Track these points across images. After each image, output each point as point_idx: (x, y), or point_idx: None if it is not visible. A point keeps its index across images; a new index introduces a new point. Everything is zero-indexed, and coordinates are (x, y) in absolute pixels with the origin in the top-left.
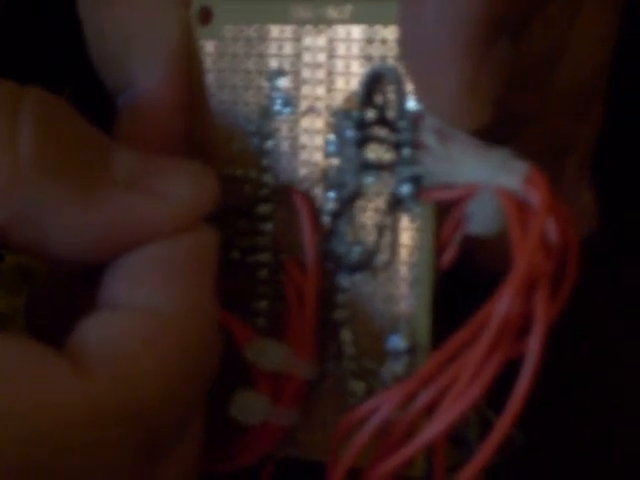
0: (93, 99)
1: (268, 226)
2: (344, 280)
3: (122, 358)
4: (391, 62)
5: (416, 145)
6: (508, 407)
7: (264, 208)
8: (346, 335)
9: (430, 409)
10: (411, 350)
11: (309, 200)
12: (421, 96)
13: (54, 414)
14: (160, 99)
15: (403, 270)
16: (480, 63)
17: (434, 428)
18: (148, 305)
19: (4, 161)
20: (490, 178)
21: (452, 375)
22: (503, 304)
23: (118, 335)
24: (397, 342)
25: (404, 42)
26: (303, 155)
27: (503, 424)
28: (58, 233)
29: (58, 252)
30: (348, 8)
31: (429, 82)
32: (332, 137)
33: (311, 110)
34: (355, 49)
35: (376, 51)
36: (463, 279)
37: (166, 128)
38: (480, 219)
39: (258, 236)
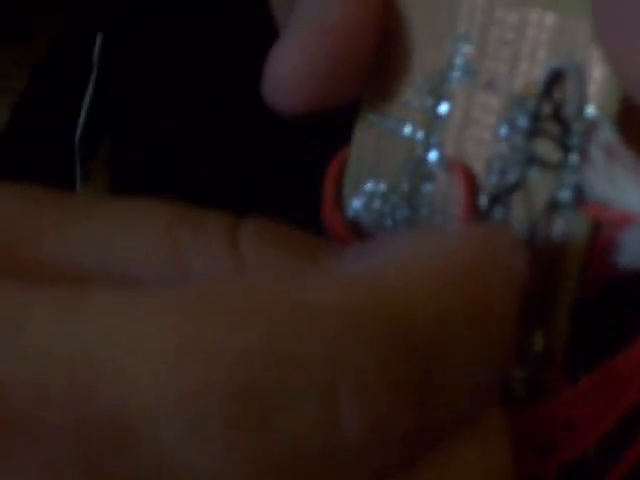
0: None
1: (428, 188)
2: None
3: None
4: (579, 58)
5: (583, 154)
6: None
7: (426, 168)
8: None
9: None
10: (544, 355)
11: (470, 175)
12: (613, 62)
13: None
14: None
15: None
16: None
17: None
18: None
19: (229, 267)
20: None
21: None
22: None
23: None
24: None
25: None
26: (473, 130)
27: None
28: None
29: None
30: None
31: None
32: (505, 120)
33: (490, 86)
34: (545, 36)
35: (566, 43)
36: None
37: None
38: (630, 251)
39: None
